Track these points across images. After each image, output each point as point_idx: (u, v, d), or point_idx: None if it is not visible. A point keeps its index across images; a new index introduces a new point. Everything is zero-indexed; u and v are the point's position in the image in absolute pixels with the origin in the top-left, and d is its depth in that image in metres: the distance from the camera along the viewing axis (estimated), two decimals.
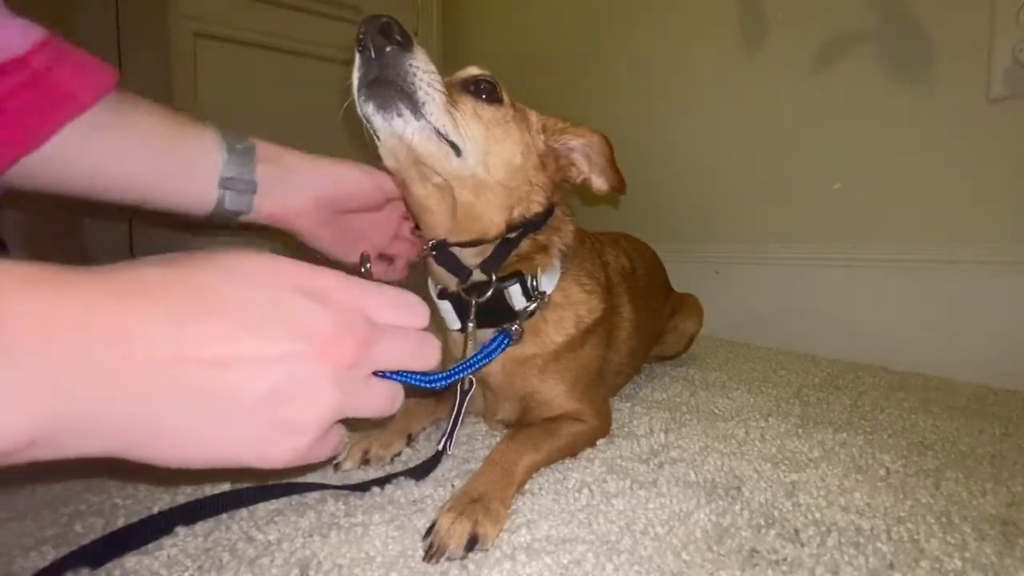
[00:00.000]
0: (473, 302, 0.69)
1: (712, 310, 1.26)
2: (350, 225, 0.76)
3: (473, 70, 0.69)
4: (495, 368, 0.73)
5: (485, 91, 0.68)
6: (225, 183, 0.65)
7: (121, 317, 0.28)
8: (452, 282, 0.71)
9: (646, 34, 1.79)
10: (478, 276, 0.70)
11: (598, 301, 0.79)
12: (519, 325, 0.68)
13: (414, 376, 0.44)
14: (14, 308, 0.24)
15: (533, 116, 0.76)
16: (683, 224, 1.71)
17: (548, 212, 0.74)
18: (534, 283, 0.71)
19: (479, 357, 0.62)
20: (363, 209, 0.76)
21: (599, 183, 0.79)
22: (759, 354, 1.34)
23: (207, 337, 0.30)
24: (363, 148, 0.83)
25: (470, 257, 0.70)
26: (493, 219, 0.69)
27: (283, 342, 0.33)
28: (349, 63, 0.61)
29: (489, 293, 0.68)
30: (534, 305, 0.70)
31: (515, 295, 0.70)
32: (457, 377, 0.56)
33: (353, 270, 0.63)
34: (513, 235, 0.70)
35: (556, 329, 0.75)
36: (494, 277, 0.69)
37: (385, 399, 0.41)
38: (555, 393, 0.74)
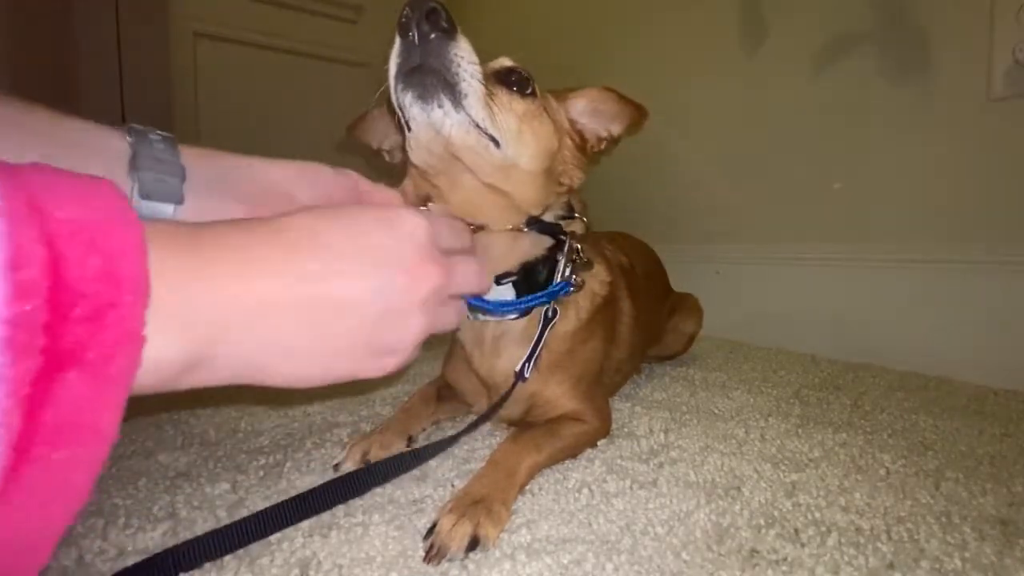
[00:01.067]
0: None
1: (712, 310, 1.26)
2: None
3: (506, 61, 0.67)
4: (504, 365, 0.73)
5: (517, 83, 0.66)
6: (137, 164, 0.46)
7: (244, 265, 0.33)
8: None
9: (645, 34, 1.79)
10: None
11: (606, 273, 0.82)
12: (577, 278, 0.72)
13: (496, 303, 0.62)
14: (162, 267, 0.28)
15: (550, 99, 0.75)
16: (683, 224, 1.71)
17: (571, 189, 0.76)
18: (578, 249, 0.73)
19: (544, 295, 0.70)
20: None
21: (617, 129, 0.79)
22: (759, 354, 1.34)
23: (314, 275, 0.35)
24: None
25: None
26: (543, 201, 0.69)
27: (381, 276, 0.38)
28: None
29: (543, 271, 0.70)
30: (578, 260, 0.73)
31: (559, 261, 0.72)
32: (538, 303, 0.70)
33: None
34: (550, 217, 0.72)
35: (575, 307, 0.76)
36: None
37: (456, 315, 0.47)
38: (559, 392, 0.74)
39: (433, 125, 0.58)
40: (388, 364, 0.41)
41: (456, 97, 0.57)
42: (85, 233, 0.25)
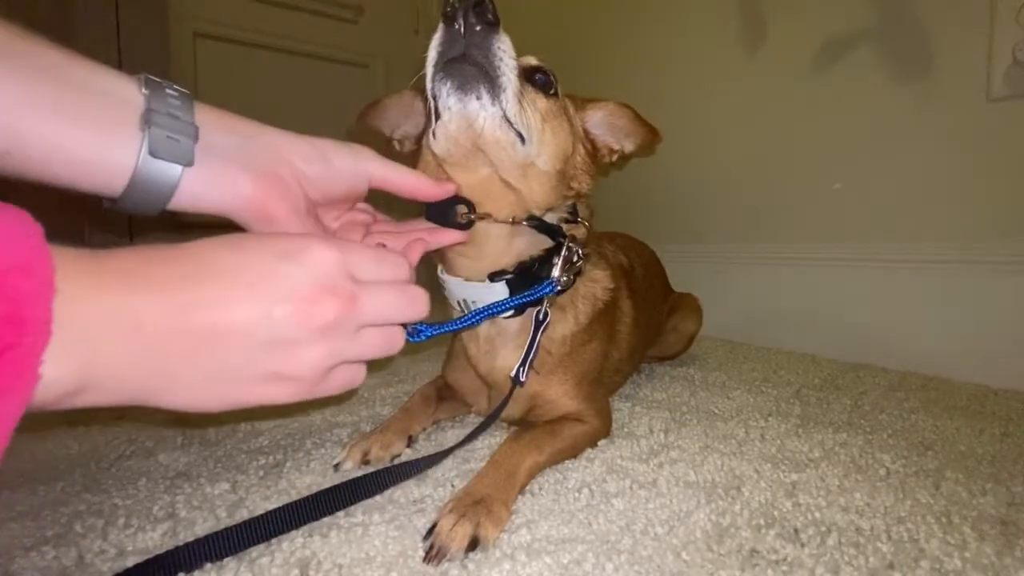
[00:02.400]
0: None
1: (712, 310, 1.26)
2: (323, 220, 0.59)
3: (532, 60, 0.68)
4: (503, 364, 0.73)
5: (542, 83, 0.67)
6: (151, 119, 0.43)
7: (132, 294, 0.33)
8: (478, 269, 0.69)
9: (645, 34, 1.79)
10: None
11: (610, 280, 0.83)
12: (567, 276, 0.71)
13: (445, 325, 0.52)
14: (63, 292, 0.30)
15: (569, 103, 0.75)
16: (683, 224, 1.71)
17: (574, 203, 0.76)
18: (578, 252, 0.72)
19: (531, 294, 0.69)
20: (344, 197, 0.58)
21: (629, 146, 0.80)
22: (759, 354, 1.34)
23: (203, 303, 0.36)
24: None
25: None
26: (549, 202, 0.69)
27: (269, 304, 0.37)
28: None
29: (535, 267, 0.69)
30: (578, 264, 0.72)
31: (555, 264, 0.71)
32: (521, 303, 0.68)
33: None
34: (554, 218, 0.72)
35: (574, 311, 0.77)
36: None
37: (379, 345, 0.45)
38: (560, 393, 0.74)
39: (468, 116, 0.58)
40: (291, 391, 0.40)
41: (495, 91, 0.58)
42: None
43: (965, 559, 0.49)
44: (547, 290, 0.69)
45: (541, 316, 0.70)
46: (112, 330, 0.32)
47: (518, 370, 0.68)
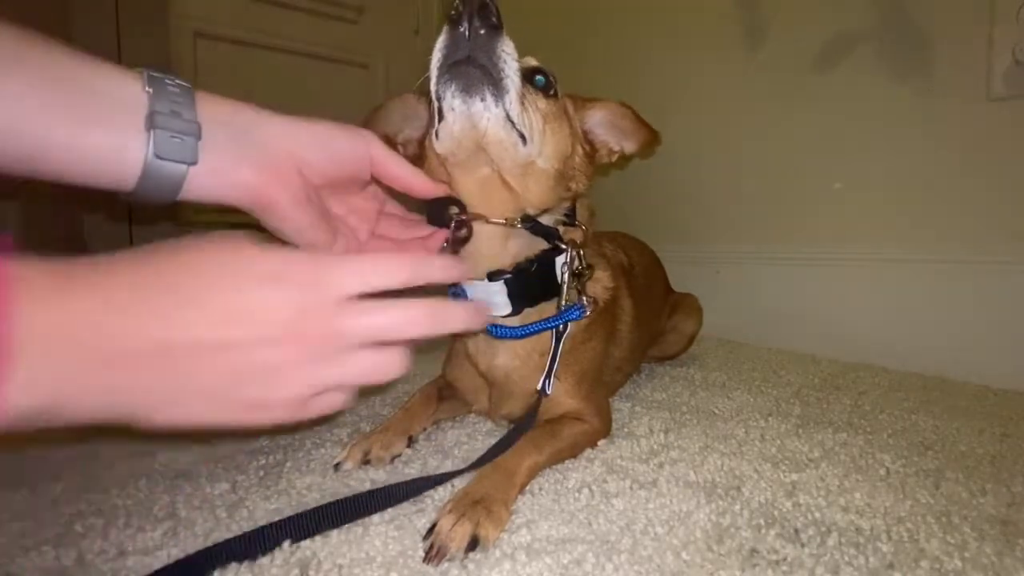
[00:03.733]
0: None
1: (712, 310, 1.26)
2: (328, 205, 0.58)
3: (532, 61, 0.69)
4: (503, 361, 0.74)
5: (542, 84, 0.68)
6: (154, 121, 0.44)
7: (107, 316, 0.32)
8: (475, 268, 0.69)
9: (644, 34, 1.79)
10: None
11: (610, 280, 0.83)
12: (590, 298, 0.73)
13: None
14: (26, 311, 0.29)
15: (569, 103, 0.76)
16: (683, 224, 1.71)
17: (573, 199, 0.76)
18: (581, 257, 0.72)
19: (558, 320, 0.71)
20: (347, 183, 0.58)
21: (629, 147, 0.80)
22: (759, 354, 1.34)
23: (178, 329, 0.34)
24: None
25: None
26: (545, 202, 0.69)
27: (244, 331, 0.36)
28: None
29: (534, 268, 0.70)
30: (580, 272, 0.72)
31: (558, 265, 0.71)
32: (548, 328, 0.71)
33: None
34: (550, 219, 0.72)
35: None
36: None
37: (372, 368, 0.41)
38: (560, 391, 0.74)
39: (472, 117, 0.59)
40: (272, 416, 0.39)
41: (499, 92, 0.59)
42: None
43: (965, 559, 0.49)
44: (575, 315, 0.71)
45: (562, 328, 0.72)
46: (90, 352, 0.32)
47: (544, 383, 0.70)
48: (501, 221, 0.66)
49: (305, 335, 0.38)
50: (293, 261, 0.39)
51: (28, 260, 0.31)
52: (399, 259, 0.42)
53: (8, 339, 0.28)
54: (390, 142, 0.81)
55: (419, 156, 0.72)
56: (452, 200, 0.63)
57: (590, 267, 0.74)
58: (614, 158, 0.81)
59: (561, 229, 0.72)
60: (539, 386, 0.70)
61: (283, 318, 0.37)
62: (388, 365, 0.41)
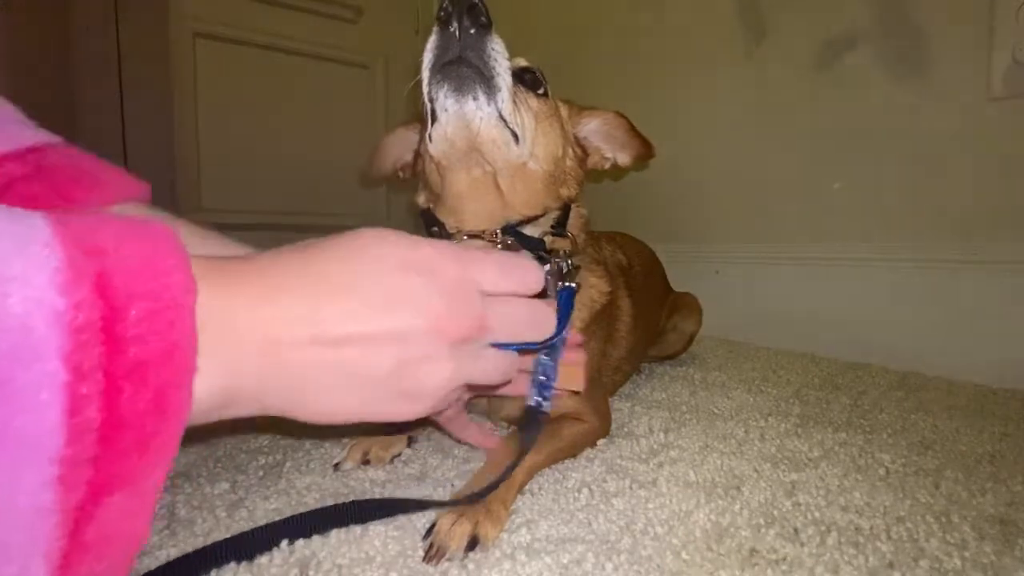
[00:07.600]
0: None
1: (712, 310, 1.26)
2: None
3: (522, 61, 0.69)
4: None
5: (532, 83, 0.68)
6: None
7: (268, 307, 0.33)
8: None
9: (644, 34, 1.79)
10: None
11: (606, 285, 0.82)
12: (577, 280, 0.69)
13: (523, 344, 0.45)
14: (203, 305, 0.29)
15: (562, 107, 0.76)
16: (683, 224, 1.71)
17: (567, 204, 0.75)
18: (569, 261, 0.71)
19: (564, 312, 0.67)
20: None
21: (623, 158, 0.80)
22: (759, 354, 1.33)
23: (336, 319, 0.35)
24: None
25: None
26: (532, 207, 0.69)
27: (403, 320, 0.36)
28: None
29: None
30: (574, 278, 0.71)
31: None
32: (561, 335, 0.62)
33: None
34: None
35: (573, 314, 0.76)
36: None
37: (496, 368, 0.42)
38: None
39: (465, 117, 0.59)
40: (418, 408, 0.39)
41: (491, 91, 0.59)
42: (141, 371, 0.26)
43: (965, 558, 0.49)
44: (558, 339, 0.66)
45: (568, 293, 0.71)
46: (251, 343, 0.32)
47: (537, 401, 0.68)
48: (480, 236, 0.66)
49: (459, 327, 0.38)
50: (443, 253, 0.39)
51: (195, 255, 0.31)
52: (523, 265, 0.44)
53: (193, 332, 0.28)
54: (394, 176, 0.84)
55: (414, 165, 0.73)
56: None
57: (576, 268, 0.72)
58: (607, 165, 0.81)
59: (548, 240, 0.71)
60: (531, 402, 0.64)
61: (438, 309, 0.37)
62: (509, 366, 0.44)
